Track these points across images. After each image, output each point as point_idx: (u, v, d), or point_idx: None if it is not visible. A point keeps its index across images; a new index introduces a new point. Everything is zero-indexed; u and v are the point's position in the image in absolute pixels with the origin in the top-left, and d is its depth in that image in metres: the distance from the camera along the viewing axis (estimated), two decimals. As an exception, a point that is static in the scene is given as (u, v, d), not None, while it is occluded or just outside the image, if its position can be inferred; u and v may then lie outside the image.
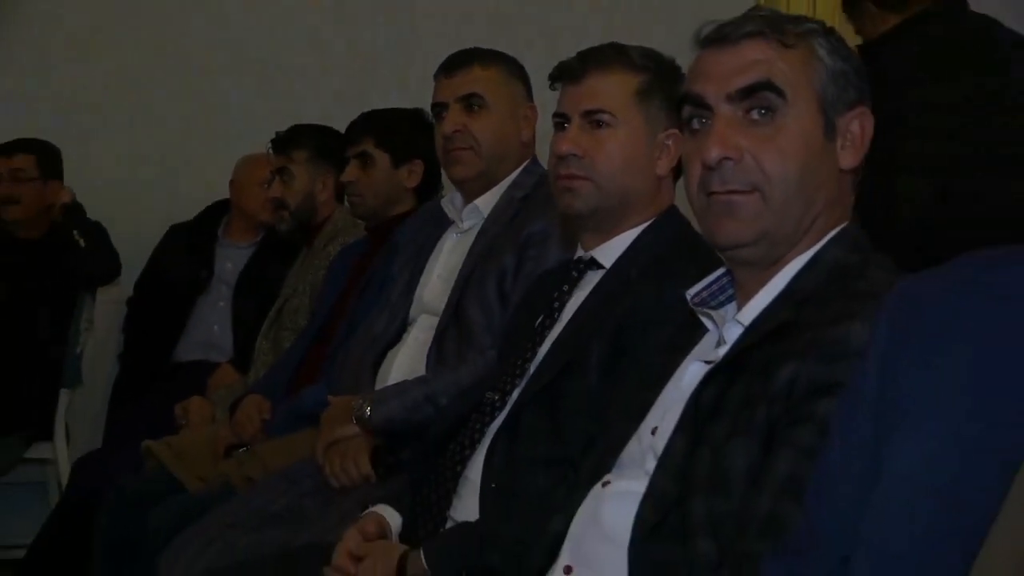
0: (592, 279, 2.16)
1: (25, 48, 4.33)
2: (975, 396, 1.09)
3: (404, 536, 2.11)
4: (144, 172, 4.45)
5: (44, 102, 4.34)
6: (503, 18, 4.03)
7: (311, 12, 4.56)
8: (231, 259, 4.22)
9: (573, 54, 2.19)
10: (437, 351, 2.58)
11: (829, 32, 1.59)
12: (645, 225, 2.15)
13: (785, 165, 1.52)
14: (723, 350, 1.54)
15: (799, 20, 1.60)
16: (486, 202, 2.69)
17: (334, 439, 2.53)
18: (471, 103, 2.66)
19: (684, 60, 1.70)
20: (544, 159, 2.40)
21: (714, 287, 1.62)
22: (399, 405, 2.47)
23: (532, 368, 2.12)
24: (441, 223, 2.81)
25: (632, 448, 1.61)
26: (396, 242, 3.02)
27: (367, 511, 2.16)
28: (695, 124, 1.58)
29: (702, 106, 1.56)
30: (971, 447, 1.07)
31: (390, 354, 2.73)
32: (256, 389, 3.19)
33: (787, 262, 1.56)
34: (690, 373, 1.57)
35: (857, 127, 1.58)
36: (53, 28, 4.36)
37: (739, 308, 1.57)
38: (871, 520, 1.12)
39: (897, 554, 1.09)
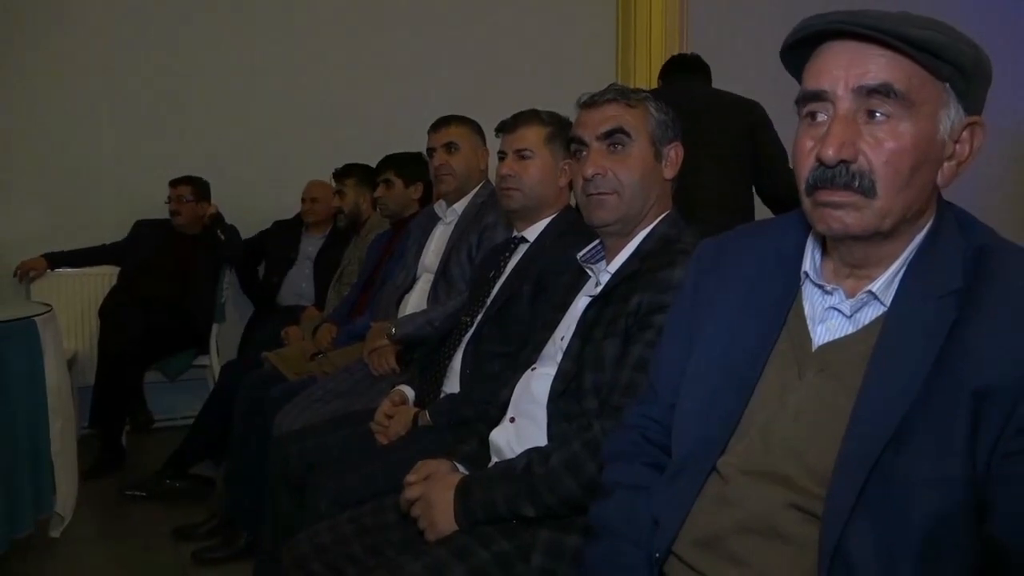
0: (522, 249, 2.14)
1: (191, 114, 4.20)
2: (740, 306, 1.09)
3: (416, 402, 2.09)
4: (260, 190, 4.33)
5: (200, 148, 4.19)
6: (476, 102, 3.92)
7: (360, 93, 4.42)
8: (312, 244, 4.12)
9: (509, 116, 2.16)
10: (433, 294, 2.54)
11: (657, 98, 1.58)
12: (553, 215, 2.13)
13: (632, 177, 1.51)
14: (599, 288, 1.52)
15: (639, 91, 1.58)
16: (460, 206, 2.64)
17: (375, 347, 2.50)
18: (450, 147, 2.61)
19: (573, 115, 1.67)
20: (493, 179, 2.37)
21: (593, 250, 1.60)
22: (412, 326, 2.44)
23: (489, 302, 2.10)
24: (434, 219, 2.76)
25: (549, 348, 1.59)
26: (408, 231, 2.97)
27: (394, 388, 2.14)
28: (579, 155, 1.56)
29: (582, 143, 1.54)
30: (738, 334, 1.07)
31: (406, 297, 2.68)
32: (328, 319, 3.16)
33: (635, 235, 1.55)
34: (580, 303, 1.56)
35: (674, 154, 1.57)
36: (209, 100, 4.22)
37: (608, 263, 1.56)
38: (684, 382, 1.12)
39: (698, 398, 1.09)
